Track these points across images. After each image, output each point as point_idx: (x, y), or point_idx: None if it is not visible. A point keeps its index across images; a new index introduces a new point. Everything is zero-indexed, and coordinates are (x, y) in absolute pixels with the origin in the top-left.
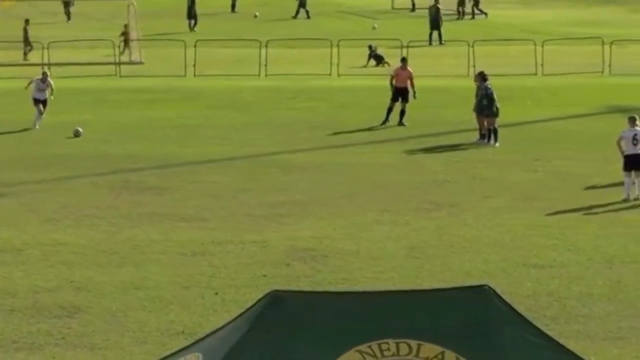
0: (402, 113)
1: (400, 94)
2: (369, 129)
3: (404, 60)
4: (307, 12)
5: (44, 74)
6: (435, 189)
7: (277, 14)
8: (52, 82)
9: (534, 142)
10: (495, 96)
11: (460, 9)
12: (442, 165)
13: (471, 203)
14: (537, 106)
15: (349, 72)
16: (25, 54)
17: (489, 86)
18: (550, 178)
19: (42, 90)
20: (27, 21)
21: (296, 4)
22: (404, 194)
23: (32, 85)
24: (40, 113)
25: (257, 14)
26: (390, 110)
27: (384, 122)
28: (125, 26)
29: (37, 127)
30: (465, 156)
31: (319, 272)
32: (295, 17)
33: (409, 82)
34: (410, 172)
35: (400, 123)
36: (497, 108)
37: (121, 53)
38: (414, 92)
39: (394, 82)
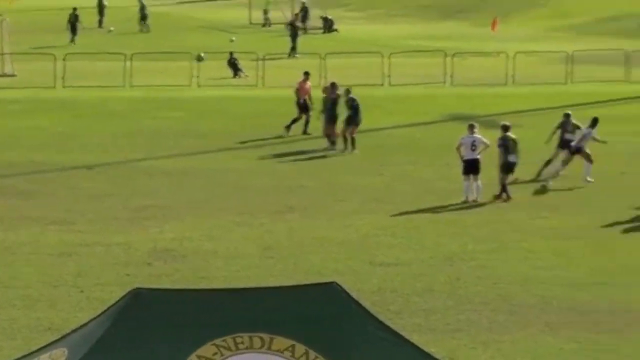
0: (307, 123)
1: (303, 105)
2: (228, 136)
3: (306, 74)
4: (147, 25)
5: None
6: (290, 193)
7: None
8: None
9: (383, 148)
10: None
11: (304, 24)
12: (296, 170)
13: (323, 206)
14: (384, 115)
15: (208, 83)
16: None
17: (355, 97)
18: (397, 182)
19: None
20: None
21: (138, 17)
22: (260, 198)
23: None
24: None
25: (112, 28)
26: (295, 120)
27: (287, 129)
28: None
29: None
30: (318, 162)
31: (179, 271)
32: (141, 31)
33: (307, 95)
34: (266, 177)
35: (305, 132)
36: (351, 117)
37: None
38: (312, 103)
39: (298, 94)
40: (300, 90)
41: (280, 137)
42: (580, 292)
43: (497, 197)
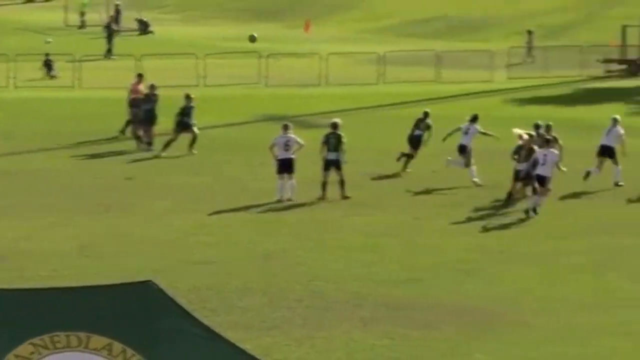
0: (128, 123)
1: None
2: (45, 137)
3: (140, 75)
4: None
5: None
6: (107, 192)
7: None
8: None
9: (200, 148)
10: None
11: (118, 26)
12: (113, 170)
13: (141, 205)
14: (200, 115)
15: (25, 84)
16: None
17: (192, 104)
18: (214, 181)
19: None
20: None
21: None
22: (78, 198)
23: None
24: None
25: None
26: (129, 122)
27: (122, 132)
28: None
29: None
30: (136, 162)
31: None
32: None
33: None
34: (83, 177)
35: (123, 132)
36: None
37: None
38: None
39: (131, 95)
40: (134, 91)
41: (100, 138)
42: (394, 289)
43: (343, 197)
